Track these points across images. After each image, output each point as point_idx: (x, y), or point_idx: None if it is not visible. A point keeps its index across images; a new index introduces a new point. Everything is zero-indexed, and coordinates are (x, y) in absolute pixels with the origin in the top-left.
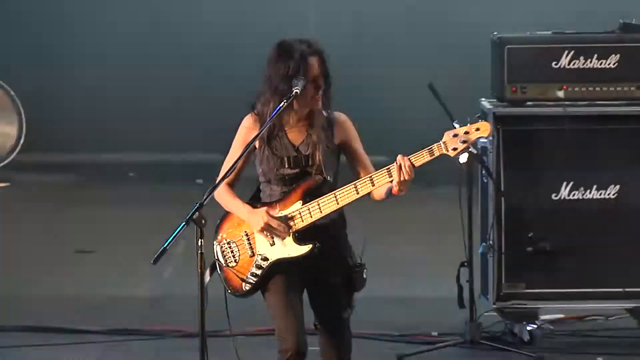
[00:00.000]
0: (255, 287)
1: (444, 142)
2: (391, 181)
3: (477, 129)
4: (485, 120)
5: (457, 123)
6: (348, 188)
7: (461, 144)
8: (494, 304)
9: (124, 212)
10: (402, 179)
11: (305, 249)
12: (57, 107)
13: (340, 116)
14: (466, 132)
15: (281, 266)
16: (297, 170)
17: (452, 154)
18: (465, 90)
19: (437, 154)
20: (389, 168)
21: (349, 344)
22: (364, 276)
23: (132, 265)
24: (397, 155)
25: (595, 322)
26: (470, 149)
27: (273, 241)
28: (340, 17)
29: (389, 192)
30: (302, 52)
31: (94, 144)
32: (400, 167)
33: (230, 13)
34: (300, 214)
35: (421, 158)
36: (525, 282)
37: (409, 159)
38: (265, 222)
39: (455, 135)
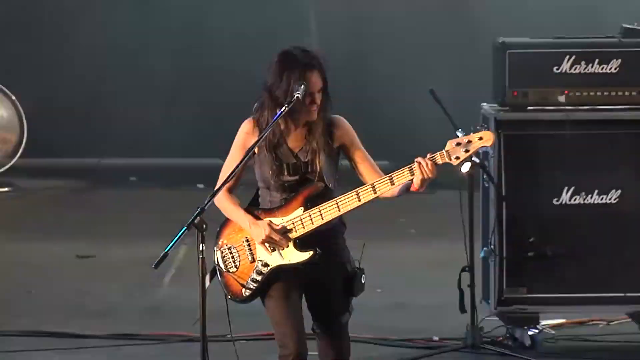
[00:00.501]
0: (255, 293)
1: (446, 151)
2: (410, 182)
3: (480, 138)
4: (488, 128)
5: (460, 132)
6: (350, 195)
7: (464, 153)
8: (495, 308)
9: (124, 216)
10: (425, 177)
11: (306, 255)
12: (58, 112)
13: (338, 119)
14: (469, 141)
15: (281, 272)
16: (296, 177)
17: (454, 162)
18: (467, 95)
19: (439, 162)
20: (391, 176)
21: (348, 348)
22: (362, 281)
23: (133, 269)
24: (414, 159)
25: (596, 327)
26: (472, 159)
27: (274, 247)
28: (341, 19)
29: (404, 190)
30: (304, 65)
31: (94, 148)
32: (421, 165)
33: (235, 14)
34: (301, 220)
35: None
36: (527, 287)
37: (429, 158)
38: (267, 234)
39: (458, 144)
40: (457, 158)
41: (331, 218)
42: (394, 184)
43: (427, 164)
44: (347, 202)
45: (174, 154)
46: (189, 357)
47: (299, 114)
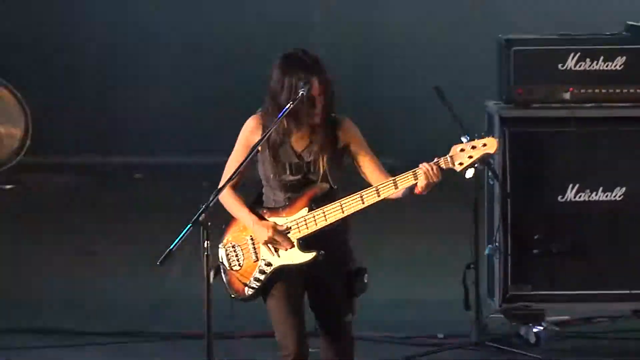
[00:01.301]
0: (257, 292)
1: (450, 156)
2: (414, 185)
3: (484, 145)
4: (493, 134)
5: (464, 137)
6: (354, 197)
7: (467, 159)
8: (500, 305)
9: (129, 213)
10: (431, 180)
11: (309, 256)
12: (64, 109)
13: (344, 120)
14: (473, 147)
15: (284, 272)
16: (299, 177)
17: (458, 168)
18: (472, 92)
19: (443, 167)
20: (395, 180)
21: (351, 348)
22: (365, 280)
23: (138, 267)
24: (419, 163)
25: (601, 324)
26: (476, 165)
27: (276, 248)
28: (348, 20)
29: (407, 192)
30: (305, 69)
31: (100, 145)
32: (427, 170)
33: (240, 14)
34: (305, 221)
35: None
36: (532, 284)
37: (433, 163)
38: (269, 236)
39: (462, 150)
40: (461, 164)
41: (334, 220)
42: (397, 188)
43: (432, 168)
44: (350, 205)
45: (179, 151)
46: (193, 355)
47: (302, 115)
